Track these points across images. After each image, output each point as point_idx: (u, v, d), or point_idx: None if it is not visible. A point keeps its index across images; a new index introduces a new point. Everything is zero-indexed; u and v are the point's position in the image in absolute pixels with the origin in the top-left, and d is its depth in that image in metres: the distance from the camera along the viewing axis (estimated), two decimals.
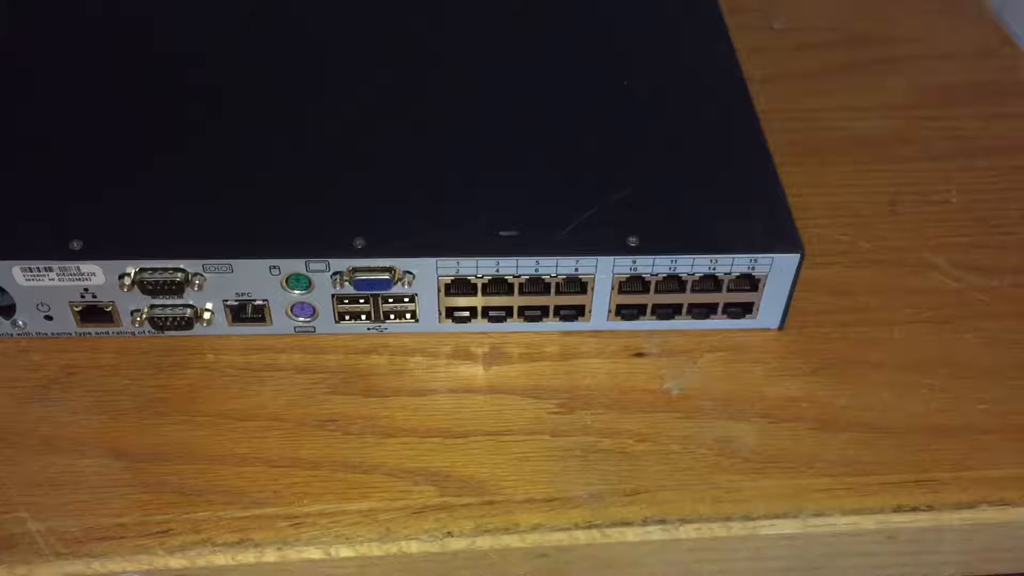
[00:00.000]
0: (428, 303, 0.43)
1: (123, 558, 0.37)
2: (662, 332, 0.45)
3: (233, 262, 0.41)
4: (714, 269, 0.42)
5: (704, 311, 0.44)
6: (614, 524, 0.38)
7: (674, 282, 0.43)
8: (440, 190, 0.44)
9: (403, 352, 0.44)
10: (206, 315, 0.43)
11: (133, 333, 0.44)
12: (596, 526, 0.38)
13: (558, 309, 0.44)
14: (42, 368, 0.43)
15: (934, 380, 0.43)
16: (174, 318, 0.43)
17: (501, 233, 0.42)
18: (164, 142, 0.46)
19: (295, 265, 0.41)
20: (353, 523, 0.38)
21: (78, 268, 0.41)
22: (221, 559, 0.37)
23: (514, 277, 0.42)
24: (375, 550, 0.37)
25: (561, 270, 0.42)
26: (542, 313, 0.44)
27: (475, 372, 0.43)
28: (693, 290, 0.43)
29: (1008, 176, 0.53)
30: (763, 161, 0.46)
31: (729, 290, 0.43)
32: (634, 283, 0.43)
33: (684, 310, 0.44)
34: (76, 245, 0.41)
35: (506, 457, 0.40)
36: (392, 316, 0.44)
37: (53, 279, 0.41)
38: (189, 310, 0.43)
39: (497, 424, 0.41)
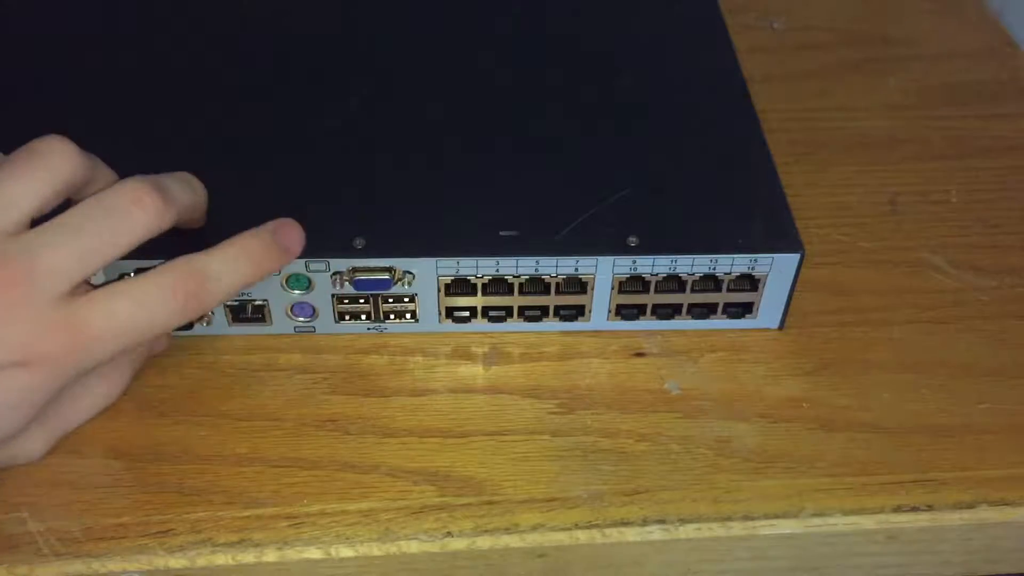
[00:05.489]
0: (428, 303, 0.43)
1: (123, 558, 0.37)
2: (662, 332, 0.45)
3: None
4: (714, 269, 0.42)
5: (704, 311, 0.44)
6: (614, 524, 0.38)
7: (674, 282, 0.43)
8: (440, 190, 0.44)
9: (403, 352, 0.44)
10: (206, 315, 0.43)
11: None
12: (596, 526, 0.38)
13: (558, 309, 0.44)
14: None
15: (934, 380, 0.43)
16: None
17: (501, 233, 0.42)
18: (163, 141, 0.46)
19: (295, 265, 0.41)
20: (353, 523, 0.38)
21: None
22: (221, 559, 0.37)
23: (514, 277, 0.42)
24: (375, 550, 0.37)
25: (561, 270, 0.42)
26: (542, 313, 0.44)
27: (475, 372, 0.43)
28: (693, 290, 0.43)
29: (1008, 176, 0.53)
30: (763, 161, 0.46)
31: (729, 290, 0.43)
32: (634, 283, 0.43)
33: (684, 310, 0.44)
34: None
35: (506, 457, 0.40)
36: (392, 316, 0.44)
37: None
38: None
39: (497, 424, 0.41)
